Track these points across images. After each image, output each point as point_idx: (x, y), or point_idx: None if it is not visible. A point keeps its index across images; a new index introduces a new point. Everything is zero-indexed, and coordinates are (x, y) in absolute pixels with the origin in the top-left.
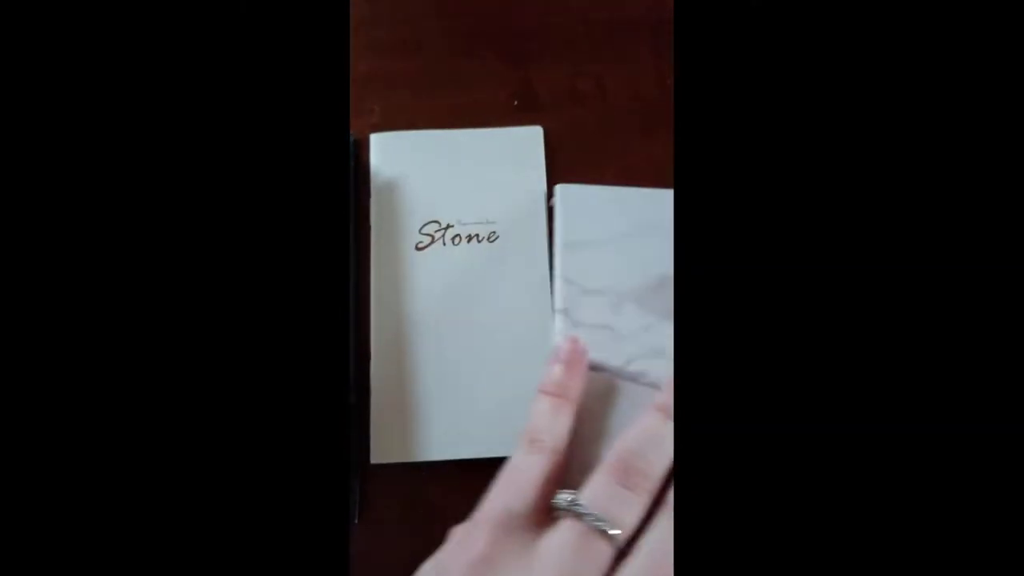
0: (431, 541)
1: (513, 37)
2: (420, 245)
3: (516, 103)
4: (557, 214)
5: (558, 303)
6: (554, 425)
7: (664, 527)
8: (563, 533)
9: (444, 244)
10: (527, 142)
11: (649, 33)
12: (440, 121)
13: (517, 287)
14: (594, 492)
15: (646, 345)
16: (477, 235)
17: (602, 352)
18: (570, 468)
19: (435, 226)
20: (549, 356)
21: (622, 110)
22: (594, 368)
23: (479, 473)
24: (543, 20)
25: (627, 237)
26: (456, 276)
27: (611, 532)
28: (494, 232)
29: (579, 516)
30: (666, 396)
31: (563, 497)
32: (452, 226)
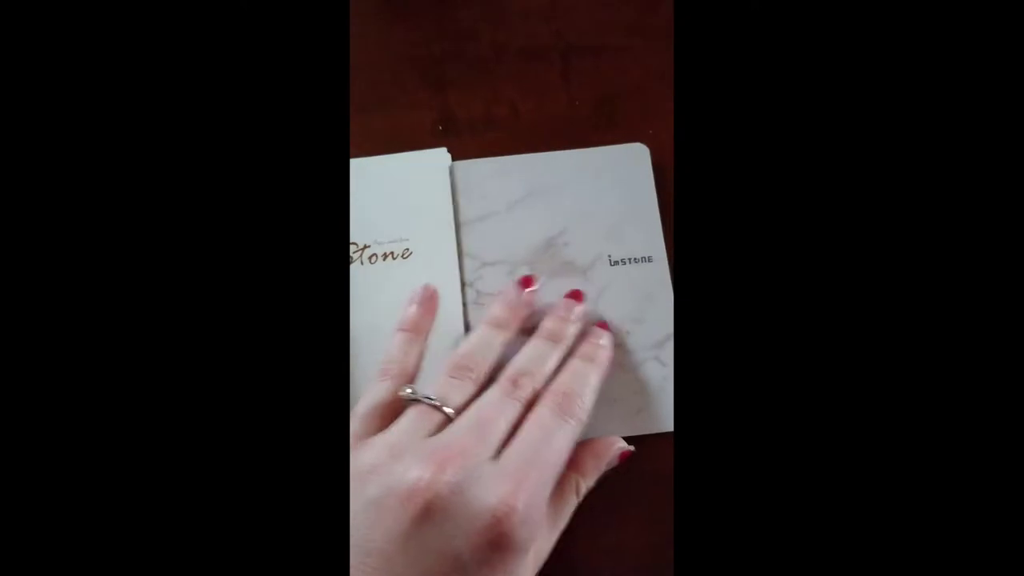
0: None
1: (434, 64)
2: None
3: (441, 128)
4: (455, 193)
5: (465, 277)
6: (404, 356)
7: (527, 430)
8: (406, 413)
9: (362, 263)
10: (434, 163)
11: (558, 59)
12: (369, 144)
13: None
14: (432, 385)
15: (537, 303)
16: (392, 252)
17: None
18: None
19: (353, 247)
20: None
21: (533, 132)
22: None
23: None
24: (459, 48)
25: (517, 204)
26: (375, 292)
27: (445, 409)
28: (408, 249)
29: (418, 400)
30: (495, 309)
31: (406, 390)
32: (369, 246)
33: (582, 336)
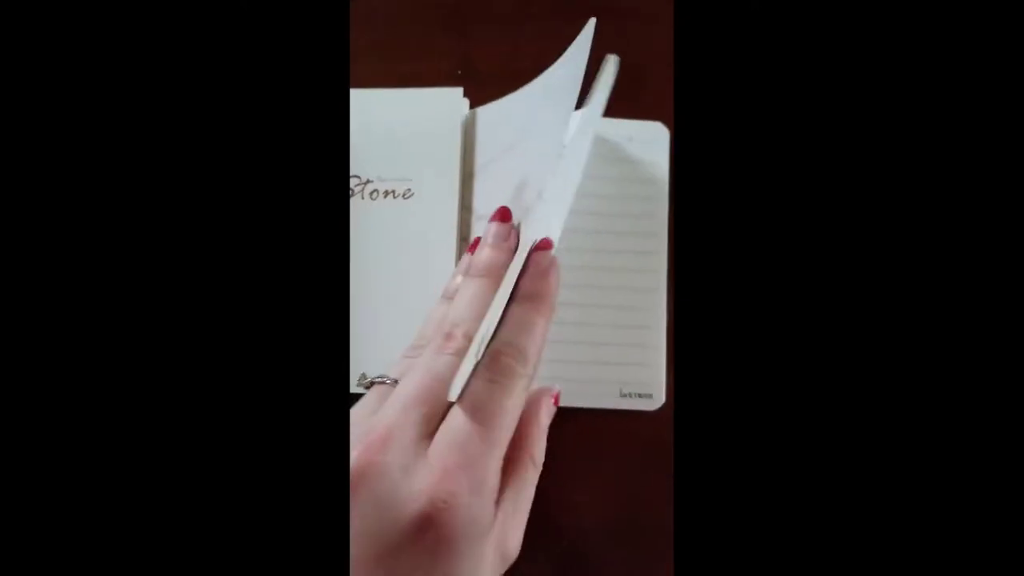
0: None
1: (456, 13)
2: None
3: (460, 72)
4: (467, 140)
5: (463, 230)
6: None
7: (456, 409)
8: (367, 393)
9: (363, 198)
10: (447, 103)
11: (585, 19)
12: (384, 85)
13: (428, 244)
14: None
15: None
16: (394, 191)
17: None
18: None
19: (355, 180)
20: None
21: None
22: None
23: None
24: None
25: (509, 151)
26: (373, 230)
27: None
28: (410, 190)
29: (375, 383)
30: (451, 281)
31: (362, 377)
32: (371, 181)
33: (526, 267)
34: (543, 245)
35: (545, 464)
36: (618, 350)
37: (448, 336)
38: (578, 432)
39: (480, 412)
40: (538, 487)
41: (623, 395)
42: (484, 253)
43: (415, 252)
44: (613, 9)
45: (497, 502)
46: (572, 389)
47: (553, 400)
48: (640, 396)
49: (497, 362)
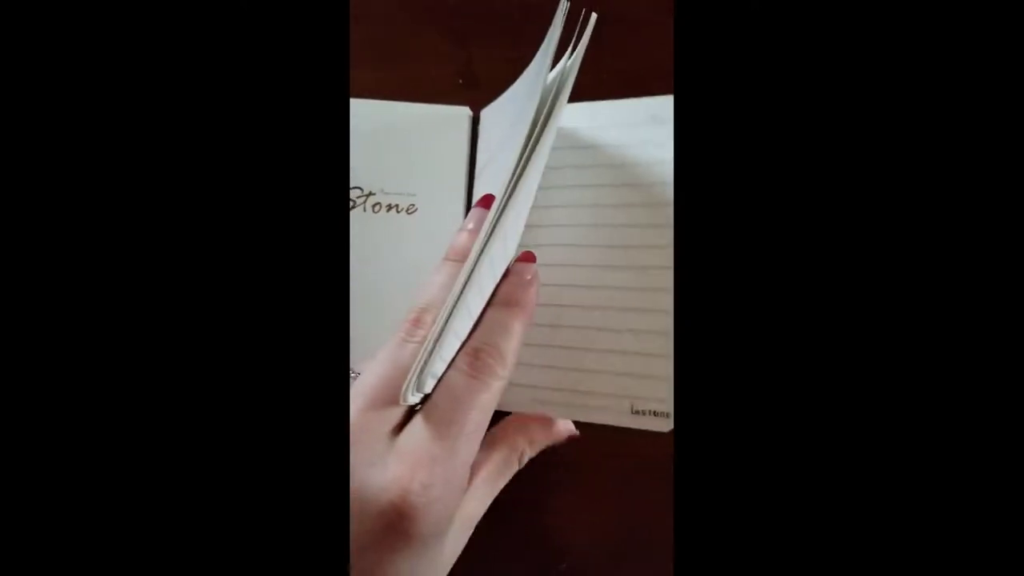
0: None
1: (457, 17)
2: None
3: (461, 81)
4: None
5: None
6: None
7: (431, 400)
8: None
9: (364, 210)
10: (453, 121)
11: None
12: (387, 93)
13: (430, 262)
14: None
15: None
16: (397, 205)
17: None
18: None
19: (357, 192)
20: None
21: None
22: None
23: None
24: (486, 3)
25: (501, 145)
26: (373, 243)
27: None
28: (413, 205)
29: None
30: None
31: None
32: (374, 194)
33: (507, 274)
34: (526, 257)
35: (545, 481)
36: (629, 359)
37: (415, 321)
38: (581, 451)
39: (457, 405)
40: (537, 508)
41: (635, 412)
42: (462, 237)
43: (417, 270)
44: (623, 19)
45: (473, 476)
46: (576, 401)
47: (569, 438)
48: (655, 415)
49: (478, 358)
